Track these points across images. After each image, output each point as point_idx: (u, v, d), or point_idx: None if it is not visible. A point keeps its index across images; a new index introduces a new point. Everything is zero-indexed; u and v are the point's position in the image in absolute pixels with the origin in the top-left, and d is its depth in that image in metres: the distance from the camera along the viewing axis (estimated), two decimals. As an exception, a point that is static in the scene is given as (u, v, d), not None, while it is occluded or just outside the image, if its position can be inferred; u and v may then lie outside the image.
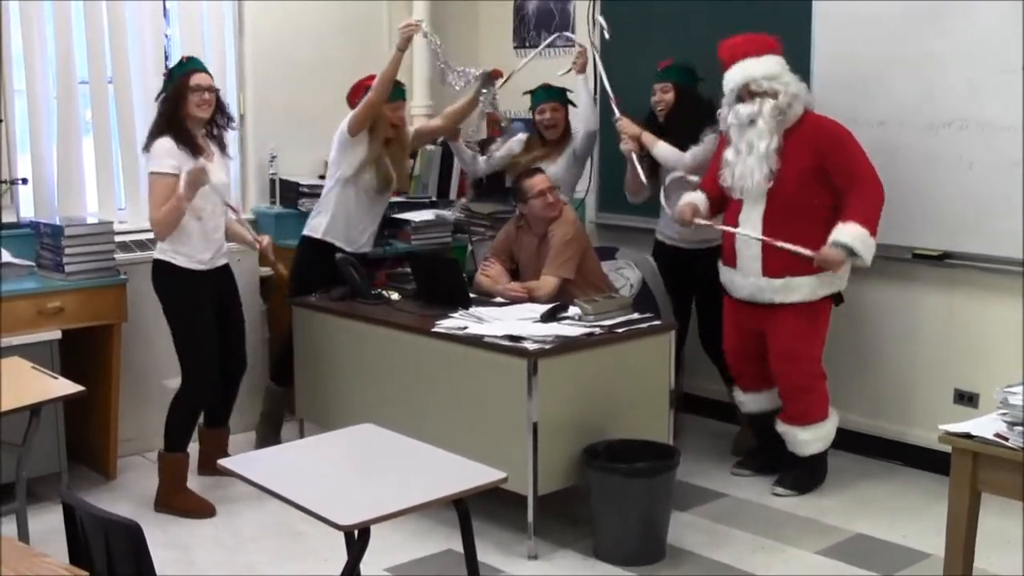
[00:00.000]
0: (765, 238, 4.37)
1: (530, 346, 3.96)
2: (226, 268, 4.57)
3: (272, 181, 5.76)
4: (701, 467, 4.87)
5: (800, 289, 4.37)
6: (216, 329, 4.48)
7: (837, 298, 4.51)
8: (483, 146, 5.57)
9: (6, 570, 2.15)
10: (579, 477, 4.06)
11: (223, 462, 2.92)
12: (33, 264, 4.73)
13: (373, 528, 2.57)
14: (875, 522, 4.31)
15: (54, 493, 4.34)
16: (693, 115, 4.90)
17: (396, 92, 4.92)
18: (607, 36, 5.24)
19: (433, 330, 4.26)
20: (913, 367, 4.86)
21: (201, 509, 4.40)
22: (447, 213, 5.79)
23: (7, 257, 4.65)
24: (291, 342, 4.99)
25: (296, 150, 5.84)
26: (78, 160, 5.22)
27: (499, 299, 4.65)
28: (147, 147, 4.34)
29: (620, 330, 4.20)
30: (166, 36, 5.47)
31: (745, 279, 4.49)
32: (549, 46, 5.68)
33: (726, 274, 4.60)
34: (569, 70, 5.22)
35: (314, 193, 5.57)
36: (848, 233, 4.26)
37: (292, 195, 5.67)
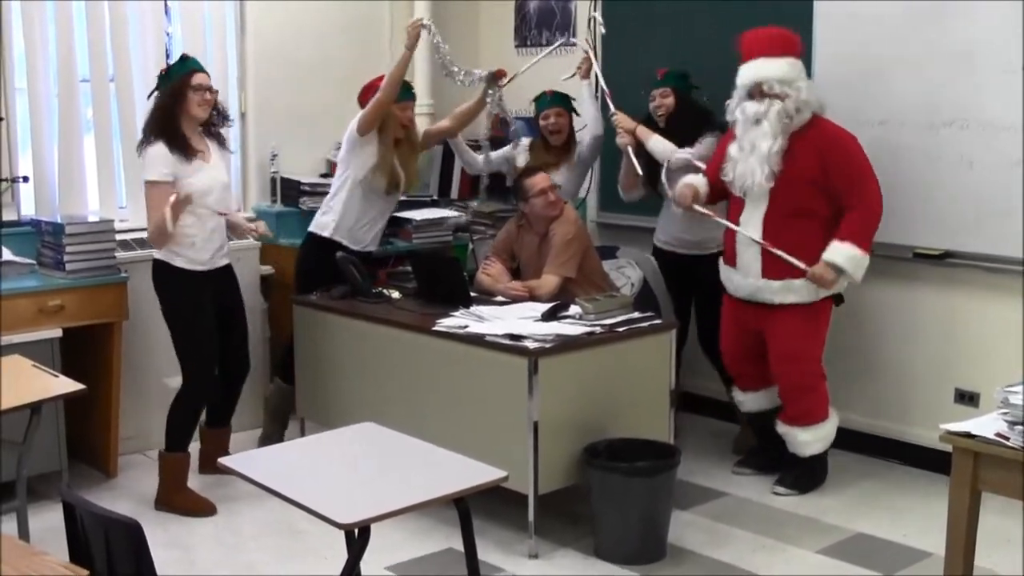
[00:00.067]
0: (763, 242, 4.36)
1: (531, 345, 3.96)
2: (227, 269, 4.57)
3: (273, 180, 5.77)
4: (702, 466, 4.88)
5: (800, 291, 4.37)
6: (217, 330, 4.48)
7: (838, 298, 4.51)
8: (495, 144, 5.56)
9: (6, 568, 2.16)
10: (580, 476, 4.06)
11: (223, 460, 2.91)
12: (34, 262, 4.73)
13: (373, 527, 2.56)
14: (876, 521, 4.31)
15: (54, 491, 4.34)
16: (693, 119, 4.93)
17: (405, 92, 4.92)
18: (603, 30, 5.25)
19: (434, 329, 4.26)
20: (914, 366, 4.86)
21: (201, 508, 4.40)
22: (452, 213, 5.79)
23: (8, 255, 4.65)
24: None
25: (297, 149, 5.85)
26: (79, 158, 5.22)
27: (500, 298, 4.65)
28: (140, 148, 4.33)
29: (621, 329, 4.21)
30: (168, 35, 5.48)
31: (745, 279, 4.48)
32: (553, 51, 5.67)
33: (726, 272, 4.60)
34: (573, 75, 5.23)
35: (315, 192, 5.59)
36: (841, 253, 4.27)
37: (293, 194, 5.68)
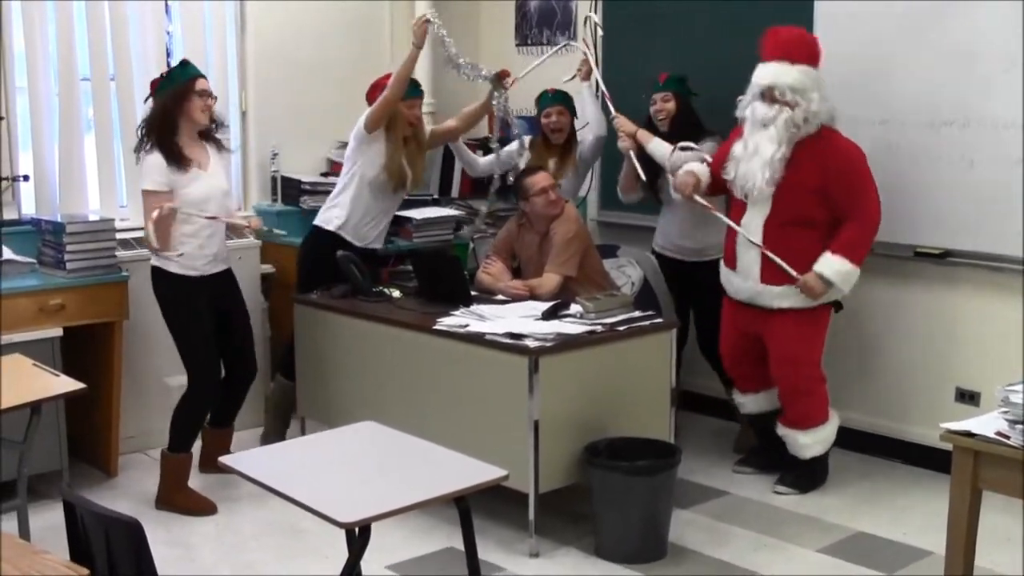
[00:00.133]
0: (759, 244, 4.36)
1: (531, 344, 3.96)
2: (226, 274, 4.56)
3: (274, 179, 5.77)
4: (702, 465, 4.88)
5: (798, 295, 4.37)
6: (216, 333, 4.48)
7: (837, 305, 4.51)
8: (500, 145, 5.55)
9: (7, 567, 2.16)
10: (580, 475, 4.06)
11: (224, 459, 2.91)
12: (34, 261, 4.73)
13: (374, 526, 2.57)
14: (876, 520, 4.31)
15: (55, 490, 4.34)
16: (694, 123, 4.92)
17: (412, 89, 4.92)
18: (600, 32, 5.25)
19: (434, 328, 4.26)
20: (914, 365, 4.86)
21: (202, 507, 4.41)
22: (453, 212, 5.79)
23: (8, 254, 4.65)
24: (296, 337, 5.00)
25: (298, 148, 5.85)
26: (80, 157, 5.22)
27: (500, 297, 4.65)
28: (137, 153, 4.33)
29: (621, 328, 4.20)
30: (168, 34, 5.48)
31: (744, 282, 4.49)
32: (554, 54, 5.67)
33: (726, 275, 4.60)
34: (573, 77, 5.23)
35: (315, 191, 5.60)
36: (831, 266, 4.28)
37: (294, 192, 5.68)
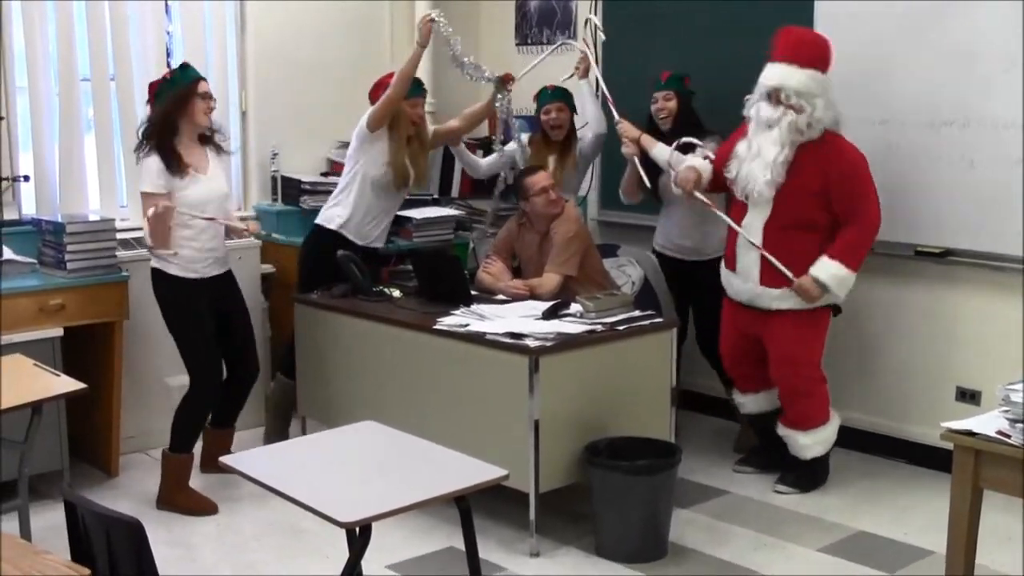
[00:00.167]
0: (758, 245, 4.36)
1: (532, 343, 3.96)
2: (226, 276, 4.56)
3: (274, 179, 5.77)
4: (702, 464, 4.88)
5: (796, 298, 4.37)
6: (217, 334, 4.49)
7: (835, 309, 4.51)
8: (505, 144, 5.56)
9: (8, 567, 2.16)
10: (581, 475, 4.06)
11: (225, 459, 2.91)
12: (35, 261, 4.73)
13: (374, 525, 2.57)
14: (877, 519, 4.31)
15: (56, 491, 4.34)
16: (695, 123, 4.92)
17: (415, 88, 4.91)
18: (602, 36, 5.23)
19: (435, 327, 4.26)
20: (915, 364, 4.86)
21: (203, 507, 4.41)
22: (454, 212, 5.79)
23: (9, 254, 4.65)
24: (296, 337, 5.00)
25: (298, 147, 5.85)
26: (80, 157, 5.22)
27: (501, 296, 4.65)
28: (137, 155, 4.33)
29: (622, 327, 4.20)
30: (168, 34, 5.48)
31: (744, 284, 4.49)
32: (552, 52, 5.67)
33: (726, 276, 4.59)
34: (571, 75, 5.23)
35: (316, 190, 5.59)
36: (827, 270, 4.29)
37: (294, 192, 5.68)
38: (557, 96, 5.18)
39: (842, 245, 4.30)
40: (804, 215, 4.31)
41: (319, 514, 2.51)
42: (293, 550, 4.06)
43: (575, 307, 4.30)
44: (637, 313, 4.35)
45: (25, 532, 3.52)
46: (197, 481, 4.56)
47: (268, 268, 5.47)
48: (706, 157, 4.62)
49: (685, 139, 4.76)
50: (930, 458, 4.65)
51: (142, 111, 5.17)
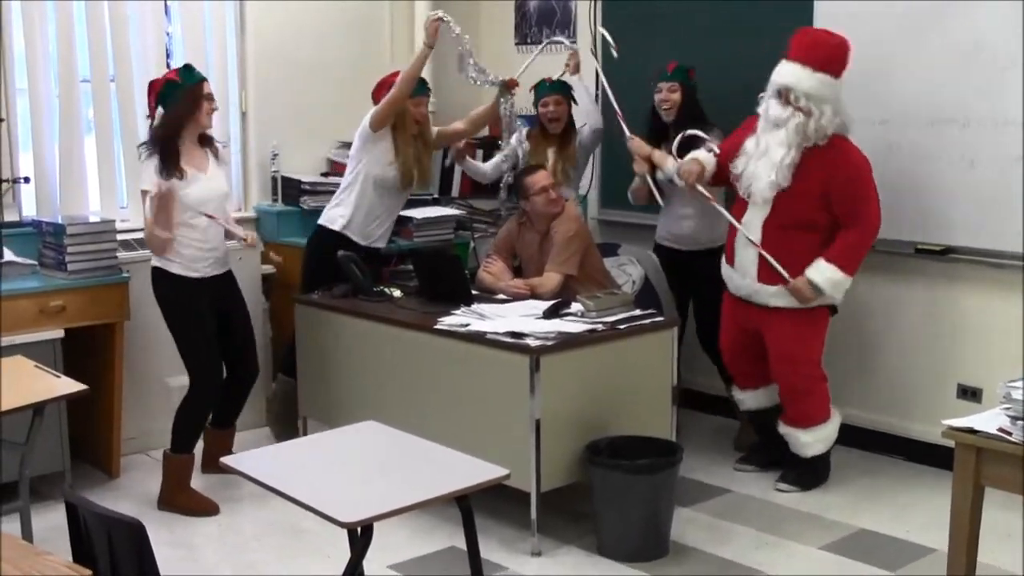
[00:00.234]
0: (756, 243, 4.36)
1: (532, 343, 3.95)
2: (227, 276, 4.56)
3: (274, 179, 5.77)
4: (703, 463, 4.88)
5: (792, 296, 4.37)
6: (218, 335, 4.49)
7: (832, 309, 4.51)
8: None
9: (10, 568, 2.16)
10: (582, 474, 4.06)
11: (226, 460, 2.91)
12: (35, 263, 4.73)
13: (376, 525, 2.57)
14: (878, 517, 4.31)
15: (57, 492, 4.34)
16: (698, 116, 4.91)
17: (419, 87, 4.91)
18: (615, 55, 5.14)
19: (435, 327, 4.26)
20: (916, 362, 4.86)
21: (204, 507, 4.41)
22: (453, 212, 5.78)
23: (9, 256, 4.65)
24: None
25: (298, 148, 5.85)
26: (80, 159, 5.22)
27: (501, 296, 4.65)
28: (140, 153, 4.33)
29: (622, 326, 4.20)
30: (168, 35, 5.48)
31: (742, 280, 4.49)
32: (543, 50, 5.67)
33: (727, 271, 4.60)
34: (563, 73, 5.23)
35: (316, 191, 5.60)
36: (823, 273, 4.29)
37: (294, 192, 5.68)
38: (555, 89, 5.17)
39: (840, 248, 4.30)
40: (804, 216, 4.31)
41: (320, 514, 2.51)
42: (294, 550, 4.06)
43: (576, 306, 4.30)
44: (638, 312, 4.35)
45: (26, 533, 3.52)
46: (198, 482, 4.56)
47: (268, 269, 5.47)
48: (711, 151, 4.62)
49: (690, 132, 4.75)
50: (931, 455, 4.65)
51: (142, 112, 5.18)
